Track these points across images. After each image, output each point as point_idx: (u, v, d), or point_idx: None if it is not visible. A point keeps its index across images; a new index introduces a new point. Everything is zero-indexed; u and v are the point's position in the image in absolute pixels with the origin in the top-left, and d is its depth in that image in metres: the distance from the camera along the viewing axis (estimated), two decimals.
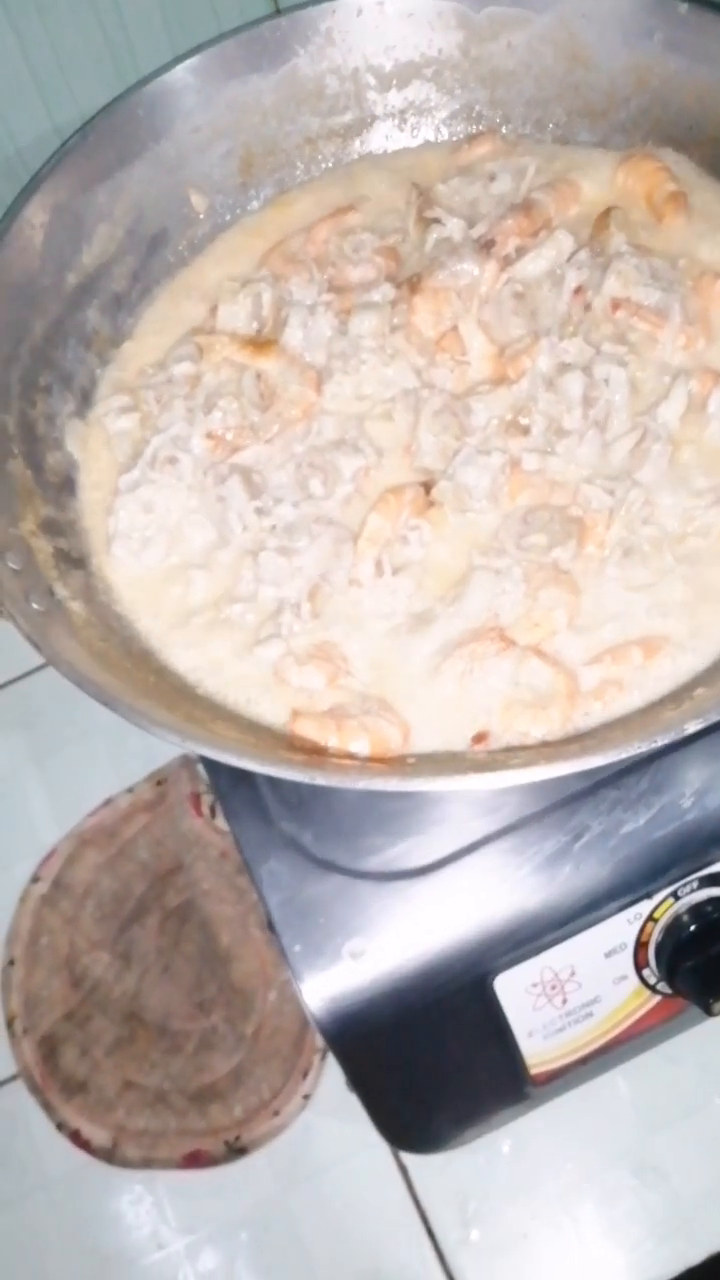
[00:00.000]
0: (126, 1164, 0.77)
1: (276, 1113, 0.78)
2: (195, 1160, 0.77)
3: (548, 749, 0.61)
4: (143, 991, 0.82)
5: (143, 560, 0.70)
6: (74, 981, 0.83)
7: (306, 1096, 0.78)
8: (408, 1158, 0.78)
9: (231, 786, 0.68)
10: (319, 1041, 0.80)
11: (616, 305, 0.72)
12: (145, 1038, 0.81)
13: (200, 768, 0.88)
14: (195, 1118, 0.78)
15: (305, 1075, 0.79)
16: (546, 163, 0.80)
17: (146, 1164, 0.77)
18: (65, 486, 0.73)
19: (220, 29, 0.87)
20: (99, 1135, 0.78)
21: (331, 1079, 0.80)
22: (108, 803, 0.89)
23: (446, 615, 0.66)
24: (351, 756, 0.62)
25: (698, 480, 0.67)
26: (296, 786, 0.66)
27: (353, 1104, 0.70)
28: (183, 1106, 0.78)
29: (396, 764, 0.62)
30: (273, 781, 0.67)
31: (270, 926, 0.65)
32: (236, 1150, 0.77)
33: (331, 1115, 0.79)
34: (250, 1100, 0.78)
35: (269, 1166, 0.78)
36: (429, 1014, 0.65)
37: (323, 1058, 0.79)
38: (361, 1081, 0.68)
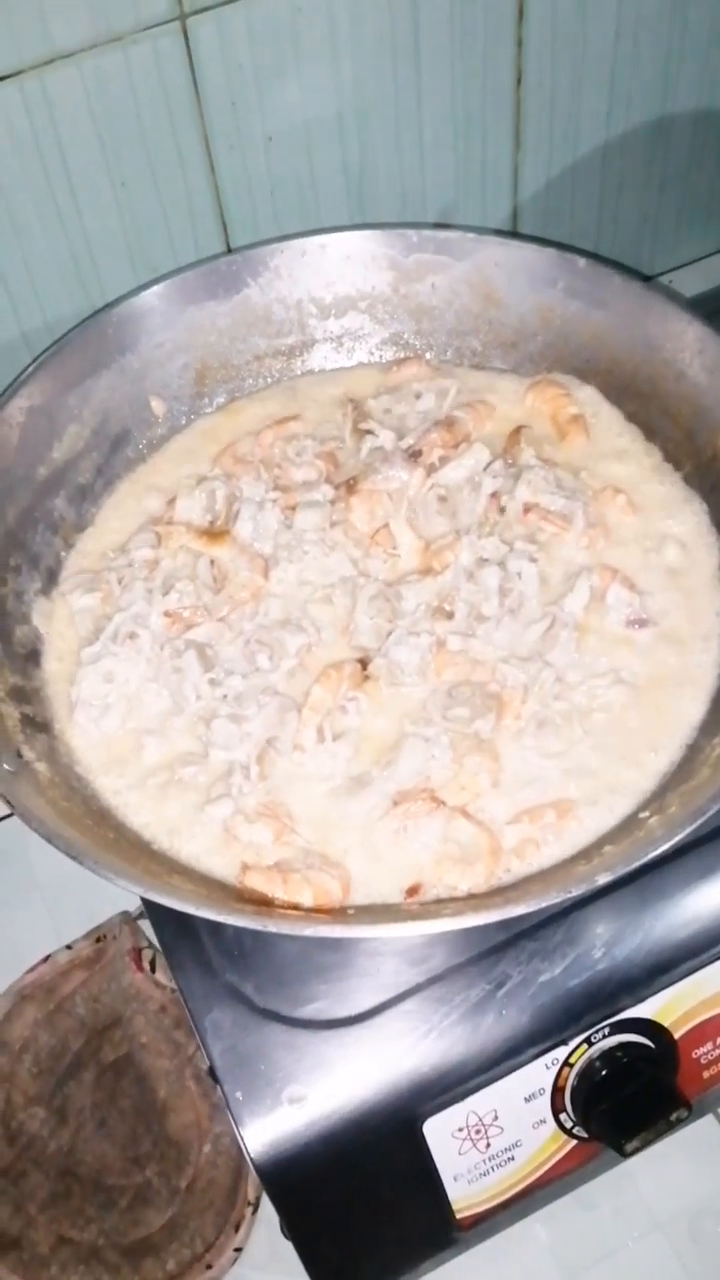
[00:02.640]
0: None
1: (209, 1266, 0.79)
2: None
3: (474, 900, 0.68)
4: (78, 1147, 0.84)
5: (102, 726, 0.76)
6: (9, 1138, 0.84)
7: (238, 1250, 0.80)
8: None
9: (176, 940, 0.72)
10: (251, 1194, 0.82)
11: (527, 509, 0.82)
12: (80, 1193, 0.82)
13: (141, 924, 0.91)
14: (128, 1273, 0.79)
15: (237, 1228, 0.80)
16: (465, 385, 0.91)
17: None
18: (31, 658, 0.79)
19: (175, 257, 0.98)
20: None
21: (262, 1232, 0.81)
22: (47, 959, 0.91)
23: (382, 778, 0.73)
24: (297, 907, 0.67)
25: (600, 662, 0.76)
26: (239, 939, 0.71)
27: (283, 1257, 0.72)
28: (116, 1262, 0.79)
29: (338, 914, 0.67)
30: (216, 934, 0.71)
31: (213, 1075, 0.68)
32: None
33: (262, 1269, 0.81)
34: (183, 1254, 0.79)
35: None
36: (363, 1158, 0.68)
37: (254, 1210, 0.81)
38: (296, 1226, 0.70)
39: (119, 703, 0.76)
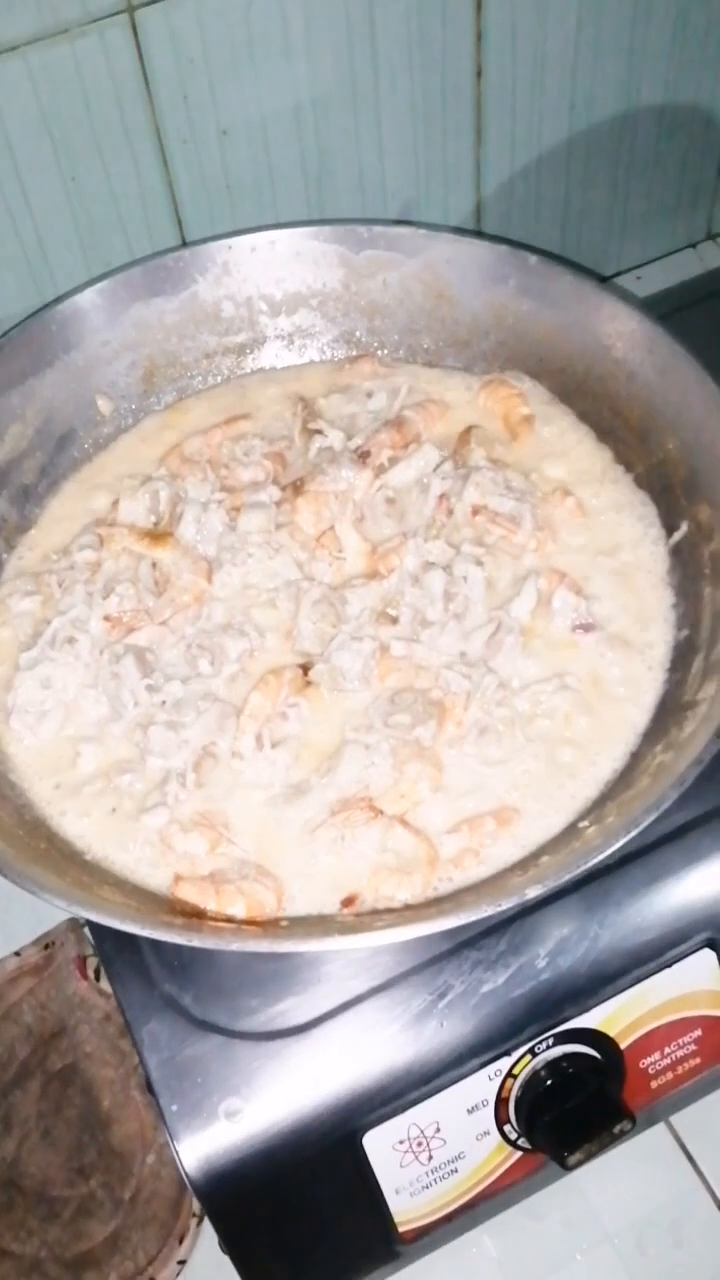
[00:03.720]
0: None
1: (152, 1279, 0.78)
2: None
3: (409, 912, 0.67)
4: (22, 1157, 0.83)
5: (39, 733, 0.75)
6: None
7: (182, 1262, 0.79)
8: None
9: (116, 949, 0.71)
10: (195, 1205, 0.81)
11: (476, 511, 0.80)
12: (23, 1205, 0.81)
13: (87, 931, 0.90)
14: None
15: (181, 1240, 0.79)
16: (417, 384, 0.90)
17: None
18: None
19: (130, 253, 0.97)
20: None
21: (207, 1244, 0.80)
22: None
23: (321, 786, 0.71)
24: (229, 919, 0.66)
25: (545, 667, 0.75)
26: (178, 949, 0.70)
27: (227, 1271, 0.71)
28: (58, 1275, 0.78)
29: (270, 926, 0.66)
30: (155, 945, 0.70)
31: (149, 1087, 0.68)
32: None
33: None
34: (126, 1267, 0.78)
35: None
36: (302, 1172, 0.67)
37: (199, 1222, 0.80)
38: (235, 1242, 0.69)
39: (56, 709, 0.75)
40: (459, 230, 1.01)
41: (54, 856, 0.68)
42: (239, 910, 0.66)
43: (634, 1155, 0.80)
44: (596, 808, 0.69)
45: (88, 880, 0.67)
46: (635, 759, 0.71)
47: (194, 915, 0.66)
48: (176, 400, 0.92)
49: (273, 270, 0.91)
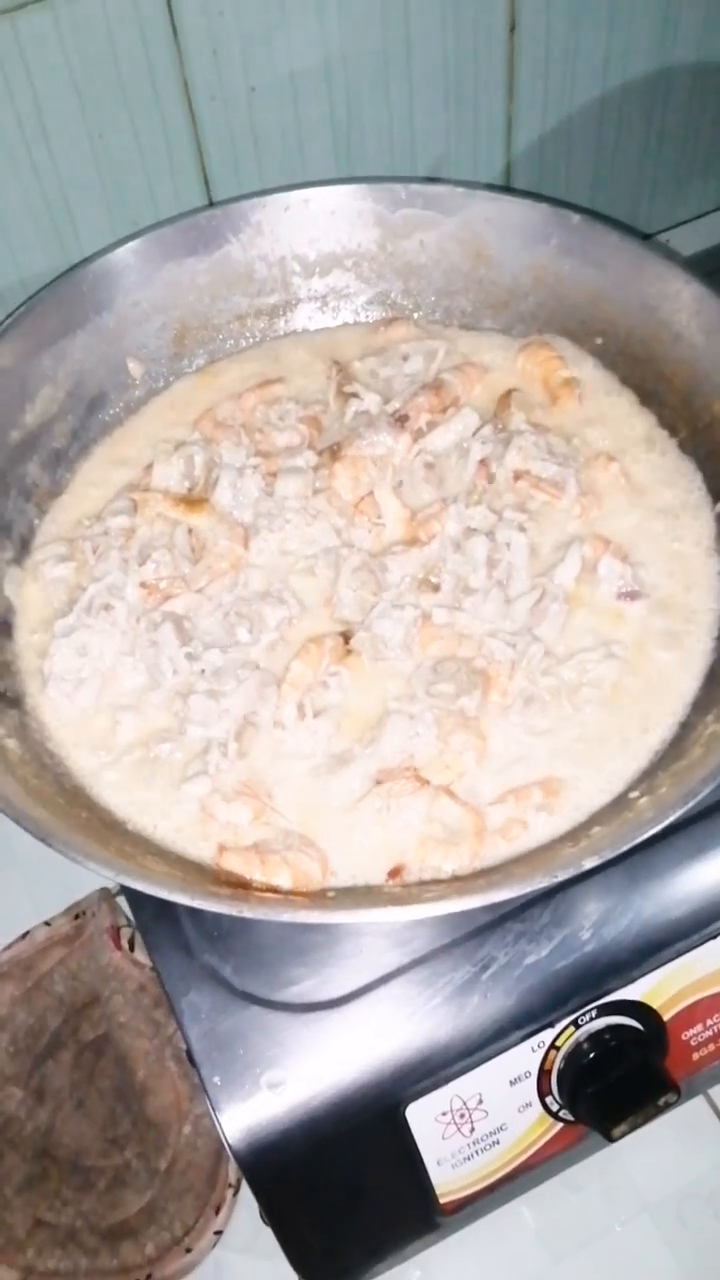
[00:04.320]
0: None
1: (189, 1250, 0.78)
2: None
3: (458, 883, 0.66)
4: (56, 1127, 0.82)
5: (76, 701, 0.73)
6: None
7: (219, 1233, 0.79)
8: None
9: (154, 920, 0.71)
10: (232, 1176, 0.80)
11: (518, 476, 0.79)
12: (57, 1175, 0.80)
13: (120, 901, 0.90)
14: (107, 1256, 0.77)
15: (218, 1211, 0.79)
16: (454, 347, 0.88)
17: None
18: (3, 629, 0.77)
19: (156, 212, 0.95)
20: (8, 1276, 0.77)
21: (243, 1214, 0.80)
22: (24, 936, 0.89)
23: (364, 756, 0.70)
24: (274, 890, 0.65)
25: (590, 636, 0.74)
26: (218, 920, 0.69)
27: (264, 1240, 0.71)
28: (94, 1245, 0.78)
29: (317, 897, 0.65)
30: (194, 915, 0.69)
31: (190, 1058, 0.67)
32: None
33: (243, 1252, 0.79)
34: (163, 1237, 0.78)
35: None
36: (344, 1143, 0.67)
37: (235, 1192, 0.80)
38: (276, 1213, 0.69)
39: (93, 677, 0.74)
40: (497, 188, 0.99)
41: (95, 826, 0.67)
42: (284, 881, 0.65)
43: (673, 1127, 0.80)
44: (647, 778, 0.68)
45: (130, 850, 0.66)
46: (685, 728, 0.70)
47: (239, 886, 0.65)
48: (208, 363, 0.90)
49: (306, 230, 0.89)
